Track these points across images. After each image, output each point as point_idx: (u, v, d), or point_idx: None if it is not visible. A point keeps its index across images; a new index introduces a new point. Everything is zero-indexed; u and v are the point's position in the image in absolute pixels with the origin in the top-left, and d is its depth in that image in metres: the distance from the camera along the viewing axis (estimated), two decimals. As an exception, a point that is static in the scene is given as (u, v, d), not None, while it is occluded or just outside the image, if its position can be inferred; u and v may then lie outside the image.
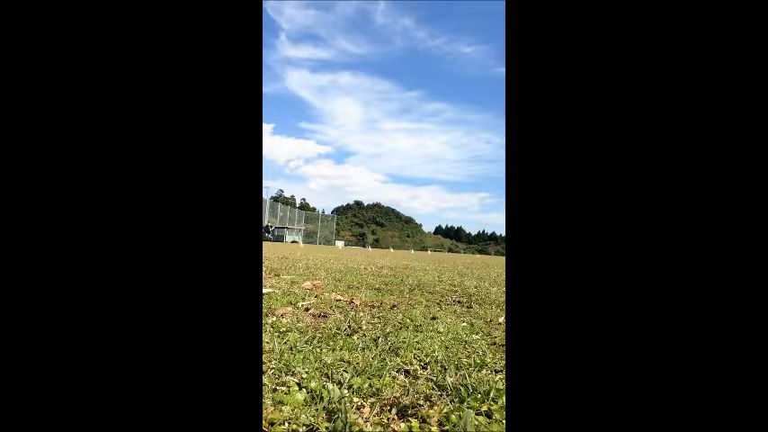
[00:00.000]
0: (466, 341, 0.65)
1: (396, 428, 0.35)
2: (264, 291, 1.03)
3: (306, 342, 0.58)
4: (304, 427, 0.34)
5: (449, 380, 0.45)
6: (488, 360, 0.54)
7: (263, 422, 0.34)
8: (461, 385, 0.44)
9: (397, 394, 0.41)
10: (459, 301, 1.14)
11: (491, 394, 0.42)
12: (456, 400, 0.41)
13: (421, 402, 0.40)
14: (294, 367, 0.47)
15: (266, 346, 0.54)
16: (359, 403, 0.39)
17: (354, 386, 0.42)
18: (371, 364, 0.49)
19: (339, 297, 1.05)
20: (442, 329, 0.72)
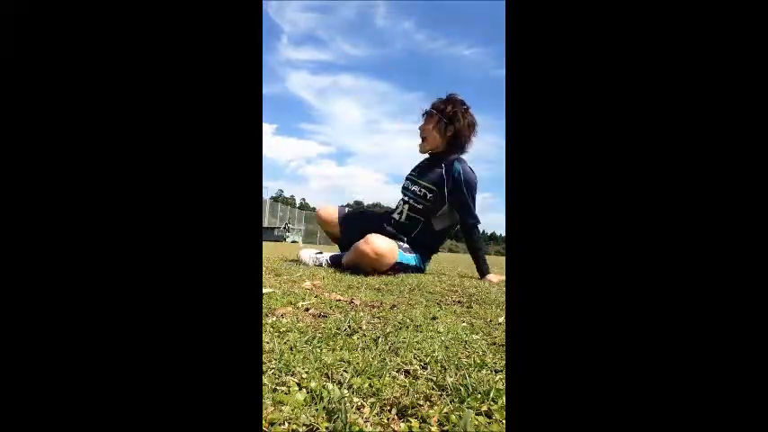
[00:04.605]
0: (466, 341, 0.65)
1: (396, 428, 0.35)
2: (264, 291, 1.03)
3: (306, 342, 0.58)
4: (304, 427, 0.34)
5: (449, 380, 0.45)
6: (488, 360, 0.54)
7: (263, 422, 0.34)
8: (461, 385, 0.44)
9: (397, 394, 0.41)
10: (459, 302, 1.14)
11: (491, 394, 0.42)
12: (456, 400, 0.41)
13: (421, 402, 0.40)
14: (294, 367, 0.47)
15: (266, 346, 0.54)
16: (359, 403, 0.39)
17: (354, 386, 0.42)
18: (371, 364, 0.49)
19: (339, 297, 1.05)
20: (441, 329, 0.72)
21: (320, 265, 2.07)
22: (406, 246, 2.01)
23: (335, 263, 2.04)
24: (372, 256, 1.86)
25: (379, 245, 1.87)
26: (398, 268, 1.94)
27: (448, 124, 1.93)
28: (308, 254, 2.16)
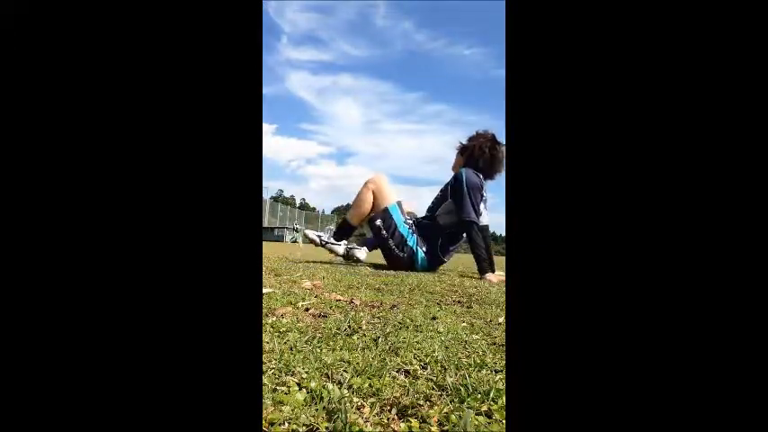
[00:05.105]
0: (466, 341, 0.65)
1: (396, 428, 0.35)
2: (264, 291, 1.03)
3: (306, 342, 0.58)
4: (304, 427, 0.34)
5: (449, 380, 0.45)
6: (488, 360, 0.54)
7: (263, 422, 0.34)
8: (461, 385, 0.44)
9: (397, 394, 0.41)
10: (459, 302, 1.14)
11: (491, 394, 0.42)
12: (456, 400, 0.41)
13: (421, 402, 0.40)
14: (294, 367, 0.47)
15: (266, 346, 0.54)
16: (359, 403, 0.39)
17: (354, 386, 0.42)
18: (371, 364, 0.49)
19: (339, 297, 1.05)
20: (441, 329, 0.72)
21: (325, 243, 2.41)
22: (410, 221, 2.34)
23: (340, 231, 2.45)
24: (372, 186, 2.30)
25: (384, 182, 2.32)
26: (387, 218, 2.28)
27: (464, 148, 2.40)
28: (313, 233, 2.48)
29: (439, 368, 0.50)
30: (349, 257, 2.45)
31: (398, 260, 2.27)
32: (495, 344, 0.64)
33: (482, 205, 2.24)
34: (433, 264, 2.33)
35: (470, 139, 2.37)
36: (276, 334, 0.62)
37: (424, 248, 2.26)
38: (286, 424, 0.34)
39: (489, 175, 2.32)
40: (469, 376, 0.47)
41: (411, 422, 0.36)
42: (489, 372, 0.49)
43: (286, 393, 0.40)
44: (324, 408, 0.37)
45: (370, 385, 0.43)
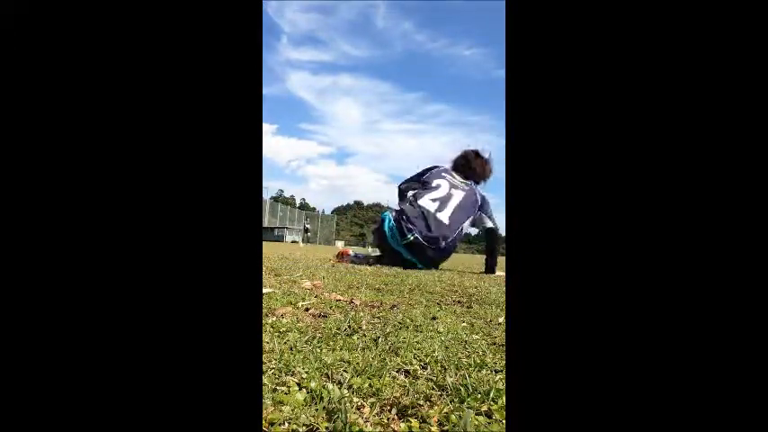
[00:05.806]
0: (466, 341, 0.65)
1: (396, 428, 0.35)
2: (264, 291, 1.03)
3: (306, 342, 0.58)
4: (304, 427, 0.34)
5: (449, 380, 0.45)
6: (488, 360, 0.54)
7: (263, 422, 0.34)
8: (461, 385, 0.44)
9: (397, 394, 0.41)
10: (459, 301, 1.14)
11: (491, 394, 0.42)
12: (456, 400, 0.41)
13: (421, 402, 0.40)
14: (294, 367, 0.47)
15: (266, 346, 0.54)
16: (359, 403, 0.39)
17: (354, 386, 0.42)
18: (371, 364, 0.49)
19: (339, 297, 1.05)
20: (441, 329, 0.72)
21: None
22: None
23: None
24: None
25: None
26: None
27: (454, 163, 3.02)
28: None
29: (439, 368, 0.50)
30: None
31: (376, 234, 2.69)
32: (495, 344, 0.64)
33: (440, 186, 2.72)
34: (401, 232, 2.56)
35: (455, 159, 3.02)
36: (276, 334, 0.62)
37: (392, 214, 2.64)
38: (286, 424, 0.34)
39: (470, 177, 2.87)
40: (469, 376, 0.47)
41: (411, 422, 0.36)
42: (489, 372, 0.49)
43: (286, 393, 0.40)
44: (324, 408, 0.37)
45: (370, 385, 0.43)
